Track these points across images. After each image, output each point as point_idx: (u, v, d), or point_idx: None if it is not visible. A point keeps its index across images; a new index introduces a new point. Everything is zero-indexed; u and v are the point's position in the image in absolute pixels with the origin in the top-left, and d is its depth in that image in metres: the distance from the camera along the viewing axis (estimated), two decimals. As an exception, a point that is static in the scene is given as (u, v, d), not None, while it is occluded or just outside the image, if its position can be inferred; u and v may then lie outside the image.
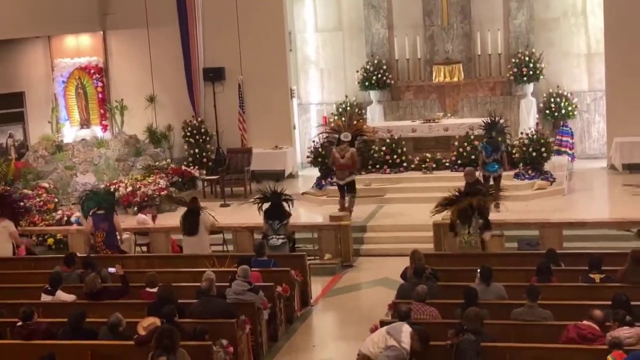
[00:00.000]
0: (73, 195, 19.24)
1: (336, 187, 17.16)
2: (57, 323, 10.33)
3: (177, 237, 15.14)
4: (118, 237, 14.57)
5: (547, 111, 20.48)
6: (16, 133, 21.31)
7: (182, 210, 14.98)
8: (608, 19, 19.45)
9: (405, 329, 9.04)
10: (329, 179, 18.47)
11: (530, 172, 18.19)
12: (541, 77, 20.39)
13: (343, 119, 18.86)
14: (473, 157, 17.98)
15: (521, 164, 18.33)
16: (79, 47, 22.63)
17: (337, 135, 17.56)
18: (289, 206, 14.38)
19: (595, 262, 10.96)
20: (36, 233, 16.71)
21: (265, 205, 14.46)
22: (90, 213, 14.58)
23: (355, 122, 18.22)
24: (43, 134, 21.56)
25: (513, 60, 20.43)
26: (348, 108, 21.18)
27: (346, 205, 16.70)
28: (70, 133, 22.37)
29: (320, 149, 19.15)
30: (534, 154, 18.28)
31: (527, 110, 20.42)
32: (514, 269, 11.79)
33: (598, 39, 20.36)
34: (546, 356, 9.02)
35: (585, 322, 9.07)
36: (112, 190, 17.90)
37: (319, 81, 22.60)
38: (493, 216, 13.92)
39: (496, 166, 16.31)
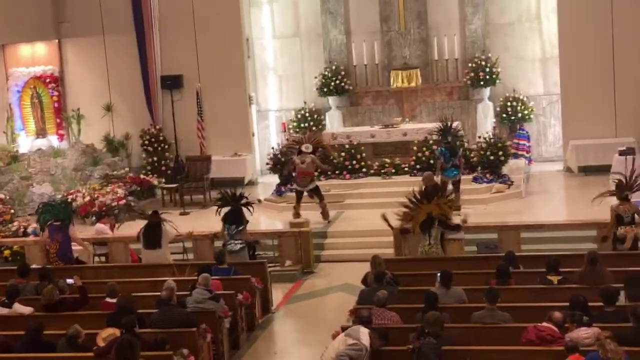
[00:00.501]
0: (29, 206, 19.01)
1: (294, 194, 17.13)
2: (15, 336, 10.17)
3: (136, 247, 14.98)
4: (73, 249, 14.39)
5: (504, 115, 20.67)
6: (-30, 143, 21.01)
7: (141, 220, 14.82)
8: (562, 24, 19.71)
9: (363, 330, 9.11)
10: (289, 186, 18.45)
11: (488, 175, 18.34)
12: (497, 81, 20.60)
13: (304, 135, 18.68)
14: (432, 161, 18.10)
15: (479, 168, 18.49)
16: (34, 56, 22.38)
17: (297, 147, 17.52)
18: (249, 211, 14.31)
19: (553, 264, 11.08)
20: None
21: (224, 210, 14.37)
22: (47, 224, 14.40)
23: (315, 137, 18.21)
24: (-2, 144, 21.29)
25: (470, 64, 20.60)
26: (307, 115, 21.20)
27: (300, 213, 16.64)
28: (26, 143, 22.08)
29: (280, 156, 19.13)
30: (492, 157, 18.44)
31: (484, 114, 20.61)
32: (473, 272, 11.86)
33: (553, 43, 20.61)
34: (506, 358, 9.07)
35: (544, 323, 9.16)
36: (69, 200, 17.70)
37: (277, 88, 22.59)
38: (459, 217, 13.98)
39: (455, 171, 16.44)
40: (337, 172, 19.12)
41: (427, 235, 12.70)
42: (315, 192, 16.80)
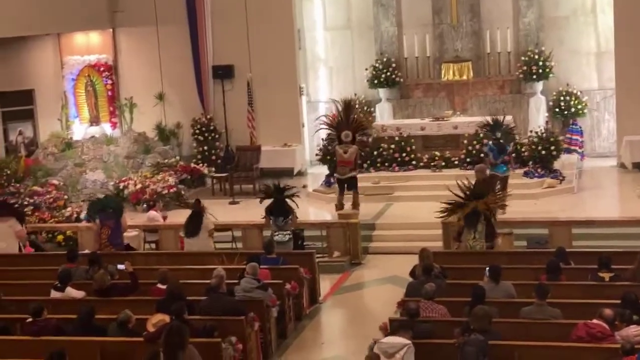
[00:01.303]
0: (82, 192, 19.28)
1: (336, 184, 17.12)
2: (67, 319, 10.36)
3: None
4: (124, 235, 14.61)
5: (557, 109, 20.43)
6: (26, 130, 21.36)
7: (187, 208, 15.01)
8: (618, 18, 19.38)
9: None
10: (335, 175, 18.43)
11: (539, 170, 18.15)
12: (551, 75, 20.35)
13: (342, 116, 18.43)
14: (482, 155, 17.94)
15: (530, 163, 18.31)
16: (88, 45, 22.68)
17: (337, 132, 17.46)
18: (294, 202, 14.37)
19: (605, 260, 10.94)
20: (46, 230, 16.75)
21: (268, 202, 14.44)
22: (97, 210, 14.66)
23: (354, 118, 17.96)
24: (53, 131, 21.63)
25: (522, 58, 20.39)
26: (357, 106, 21.15)
27: (344, 203, 16.62)
28: (80, 130, 22.43)
29: (329, 147, 19.14)
30: (544, 152, 18.24)
31: (536, 109, 20.40)
32: (522, 268, 11.77)
33: (607, 37, 20.30)
34: (555, 355, 9.00)
35: (595, 320, 9.05)
36: (119, 195, 17.95)
37: (328, 79, 22.61)
38: (502, 215, 13.87)
39: (504, 167, 16.27)
40: (386, 164, 19.07)
41: (472, 229, 12.61)
42: (352, 182, 16.73)
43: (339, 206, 16.51)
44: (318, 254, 14.09)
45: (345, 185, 16.67)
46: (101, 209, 14.63)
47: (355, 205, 16.59)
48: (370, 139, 18.49)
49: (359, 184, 17.05)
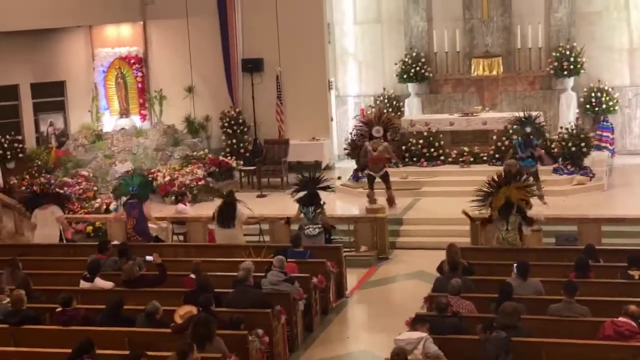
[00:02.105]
0: (112, 183, 19.43)
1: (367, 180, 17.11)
2: (95, 310, 10.46)
3: (212, 226, 15.20)
4: (152, 227, 14.71)
5: (588, 106, 20.26)
6: (57, 122, 21.57)
7: (218, 200, 15.03)
8: (651, 14, 19.19)
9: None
10: (366, 172, 18.46)
11: (569, 167, 18.02)
12: (582, 71, 20.18)
13: (372, 111, 18.56)
14: (510, 150, 17.82)
15: (560, 159, 18.17)
16: (119, 37, 22.83)
17: (367, 129, 17.45)
18: (328, 193, 14.37)
19: (635, 258, 10.84)
20: (75, 221, 16.90)
21: (301, 193, 14.45)
22: (123, 201, 14.77)
23: (384, 114, 18.01)
24: (83, 123, 21.80)
25: (553, 54, 20.24)
26: (386, 101, 21.13)
27: (381, 198, 16.63)
28: (110, 122, 22.59)
29: (357, 141, 19.12)
30: (574, 148, 18.08)
31: (567, 105, 20.24)
32: (551, 265, 11.72)
33: (641, 33, 20.12)
34: (583, 352, 8.92)
35: (621, 318, 8.98)
36: (147, 180, 18.03)
37: (357, 73, 22.57)
38: (535, 211, 13.79)
39: (531, 162, 16.14)
40: (414, 159, 19.04)
41: (504, 221, 12.55)
42: (385, 179, 16.72)
43: (372, 201, 16.50)
44: (345, 248, 14.09)
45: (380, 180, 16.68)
46: (127, 194, 14.74)
47: (391, 201, 16.55)
48: (398, 137, 18.43)
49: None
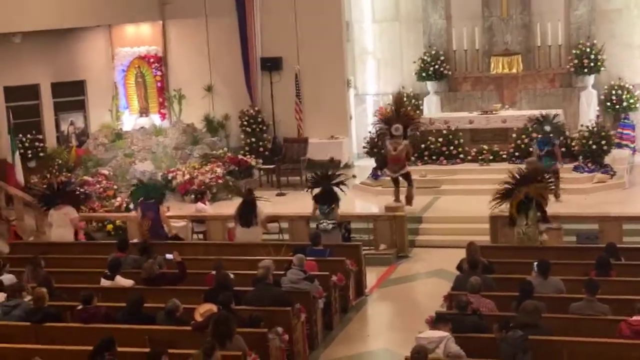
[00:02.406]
0: (131, 182, 19.49)
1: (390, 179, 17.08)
2: (116, 307, 10.51)
3: (233, 226, 15.23)
4: (165, 227, 14.74)
5: (608, 103, 20.16)
6: (77, 121, 21.67)
7: (238, 199, 15.06)
8: (673, 10, 19.05)
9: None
10: (385, 170, 18.45)
11: (590, 165, 17.93)
12: (602, 69, 20.09)
13: (393, 109, 18.47)
14: (531, 149, 17.75)
15: (581, 157, 18.08)
16: (138, 36, 22.90)
17: (386, 126, 17.38)
18: (341, 191, 14.37)
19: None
20: (96, 219, 16.99)
21: (316, 190, 14.47)
22: (139, 201, 14.82)
23: (403, 111, 17.87)
24: (103, 122, 21.89)
25: (573, 51, 20.14)
26: (405, 99, 21.07)
27: (402, 196, 16.59)
28: (130, 121, 22.65)
29: (376, 140, 19.10)
30: (594, 146, 17.99)
31: (587, 103, 20.13)
32: (572, 263, 11.66)
33: (662, 30, 19.98)
34: (604, 351, 8.88)
35: (635, 317, 8.93)
36: (163, 183, 18.11)
37: (375, 72, 22.55)
38: (553, 208, 13.76)
39: (551, 160, 16.06)
40: (433, 157, 19.00)
41: (524, 216, 12.52)
42: (406, 177, 16.68)
43: (397, 199, 16.48)
44: (364, 247, 14.10)
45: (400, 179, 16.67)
46: (143, 198, 14.78)
47: (409, 199, 16.49)
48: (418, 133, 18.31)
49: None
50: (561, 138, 17.19)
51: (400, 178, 16.69)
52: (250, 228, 14.00)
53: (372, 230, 15.26)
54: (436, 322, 9.11)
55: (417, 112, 19.90)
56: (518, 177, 12.90)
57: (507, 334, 8.75)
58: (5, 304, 10.58)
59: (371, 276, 13.91)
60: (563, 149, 17.01)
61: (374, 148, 19.15)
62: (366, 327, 12.31)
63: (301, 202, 16.69)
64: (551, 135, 16.52)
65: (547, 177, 13.79)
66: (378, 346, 11.46)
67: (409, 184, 16.64)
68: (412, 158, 18.09)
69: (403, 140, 16.66)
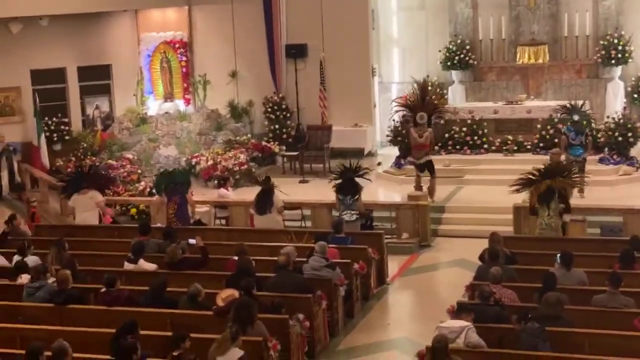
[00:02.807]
0: (155, 167, 19.60)
1: (413, 167, 17.03)
2: (139, 291, 10.59)
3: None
4: (190, 211, 14.81)
5: (635, 95, 19.96)
6: (102, 105, 21.79)
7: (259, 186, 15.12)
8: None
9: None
10: (409, 158, 18.43)
11: (615, 157, 17.79)
12: (630, 60, 19.91)
13: (418, 96, 18.35)
14: (556, 140, 17.64)
15: (606, 149, 17.94)
16: (164, 21, 22.96)
17: (411, 115, 17.33)
18: (366, 180, 14.36)
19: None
20: (120, 203, 17.09)
21: (338, 182, 14.47)
22: (163, 186, 14.89)
23: (429, 99, 17.80)
24: (128, 106, 21.98)
25: (601, 42, 19.96)
26: (429, 87, 20.97)
27: (424, 187, 16.56)
28: (154, 106, 22.74)
29: (400, 128, 19.05)
30: (620, 138, 17.84)
31: (614, 94, 19.97)
32: (595, 255, 11.59)
33: (691, 22, 19.74)
34: (626, 344, 8.82)
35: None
36: (188, 169, 18.15)
37: (400, 60, 22.47)
38: (576, 201, 13.68)
39: (580, 150, 15.97)
40: (457, 147, 18.93)
41: (545, 206, 12.48)
42: (428, 167, 16.63)
43: (418, 188, 16.44)
44: (387, 235, 14.09)
45: (423, 170, 16.62)
46: (168, 183, 14.85)
47: (432, 191, 16.43)
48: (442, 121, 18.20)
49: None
50: (588, 129, 17.04)
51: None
52: (265, 216, 14.06)
53: (395, 218, 15.24)
54: (459, 311, 9.10)
55: (442, 100, 19.77)
56: (542, 171, 12.81)
57: (526, 325, 8.72)
58: (30, 286, 10.70)
59: (393, 265, 13.90)
60: (590, 139, 16.87)
61: (398, 137, 19.10)
62: (387, 316, 12.31)
63: (324, 190, 16.66)
64: (581, 124, 16.37)
65: (573, 169, 13.70)
66: (398, 335, 11.46)
67: (431, 175, 16.58)
68: (436, 147, 18.11)
69: (428, 128, 16.62)
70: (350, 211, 13.88)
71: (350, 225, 13.63)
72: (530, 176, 12.91)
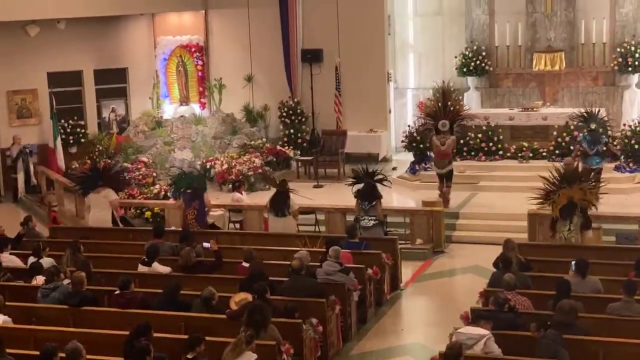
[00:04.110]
0: (171, 170, 19.65)
1: (434, 174, 16.97)
2: (153, 293, 10.61)
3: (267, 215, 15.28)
4: (210, 214, 14.87)
5: (652, 103, 19.88)
6: (118, 108, 21.91)
7: (274, 189, 15.12)
8: None
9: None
10: (423, 164, 18.43)
11: (631, 165, 17.71)
12: (647, 68, 19.80)
13: (439, 103, 18.57)
14: (572, 147, 17.56)
15: (622, 157, 17.85)
16: (181, 25, 23.05)
17: (433, 122, 17.33)
18: (385, 186, 14.35)
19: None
20: (134, 206, 17.14)
21: (358, 187, 14.45)
22: (182, 191, 14.92)
23: (451, 108, 17.87)
24: (144, 110, 22.08)
25: (618, 49, 19.88)
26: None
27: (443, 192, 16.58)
28: (170, 109, 22.83)
29: (415, 134, 19.03)
30: (637, 146, 17.76)
31: (630, 102, 19.88)
32: (610, 263, 11.53)
33: None
34: (641, 353, 8.80)
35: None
36: (204, 173, 18.19)
37: (416, 66, 22.45)
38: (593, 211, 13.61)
39: (598, 159, 15.87)
40: (472, 153, 18.89)
41: (567, 221, 12.39)
42: (448, 176, 16.60)
43: (442, 195, 16.41)
44: (401, 241, 14.06)
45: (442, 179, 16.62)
46: (186, 188, 14.88)
47: (446, 199, 16.39)
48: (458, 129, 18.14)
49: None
50: (604, 137, 16.96)
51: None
52: (281, 218, 14.07)
53: (409, 224, 15.21)
54: (477, 319, 9.04)
55: (463, 105, 19.70)
56: (558, 179, 12.72)
57: (546, 332, 8.67)
58: (44, 287, 10.74)
59: (407, 270, 13.87)
60: (607, 146, 16.79)
61: (413, 142, 19.08)
62: (400, 321, 12.30)
63: (338, 195, 16.71)
64: (598, 132, 16.26)
65: (591, 179, 13.57)
66: (412, 340, 11.44)
67: (447, 185, 16.53)
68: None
69: (450, 136, 16.59)
70: (368, 217, 13.85)
71: (368, 231, 13.60)
72: (548, 186, 12.79)
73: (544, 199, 12.87)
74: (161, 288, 10.52)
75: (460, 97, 20.99)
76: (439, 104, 17.39)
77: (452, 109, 17.25)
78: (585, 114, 16.97)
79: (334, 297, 10.73)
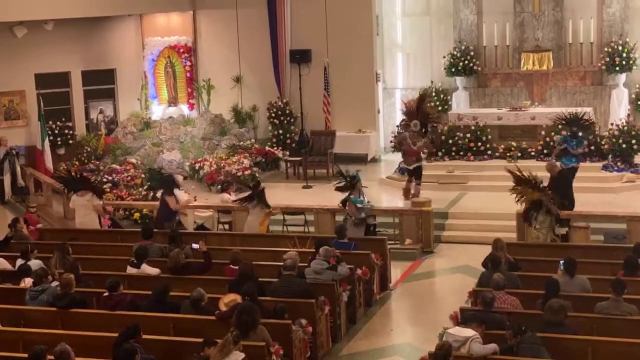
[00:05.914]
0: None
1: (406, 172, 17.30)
2: (142, 295, 10.58)
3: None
4: (198, 215, 14.87)
5: (639, 102, 19.93)
6: (107, 109, 21.85)
7: (270, 190, 15.18)
8: None
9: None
10: (400, 164, 18.54)
11: (619, 164, 17.77)
12: (634, 67, 19.90)
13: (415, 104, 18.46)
14: (553, 145, 17.58)
15: (610, 156, 17.92)
16: (169, 26, 23.00)
17: (408, 121, 17.41)
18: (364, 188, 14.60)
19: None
20: (123, 207, 17.09)
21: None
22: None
23: (422, 108, 17.81)
24: (132, 111, 22.03)
25: (605, 49, 19.96)
26: (434, 94, 21.01)
27: (412, 192, 16.69)
28: (158, 110, 22.78)
29: (398, 133, 19.03)
30: (624, 145, 17.83)
31: (618, 101, 19.97)
32: (599, 262, 11.56)
33: (696, 29, 19.73)
34: (629, 351, 8.80)
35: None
36: (157, 174, 18.14)
37: (404, 66, 22.49)
38: (580, 207, 13.69)
39: (575, 159, 15.85)
40: (460, 153, 18.93)
41: (533, 219, 12.84)
42: (416, 171, 16.79)
43: (406, 194, 16.55)
44: (390, 241, 14.07)
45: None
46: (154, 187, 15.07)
47: (416, 194, 16.57)
48: (433, 137, 18.13)
49: (433, 173, 17.02)
50: (590, 137, 17.00)
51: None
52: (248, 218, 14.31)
53: (398, 224, 15.23)
54: (469, 320, 9.03)
55: (439, 109, 19.75)
56: (517, 179, 13.23)
57: (524, 335, 8.67)
58: (33, 289, 10.69)
59: (396, 271, 13.89)
60: (592, 147, 16.81)
61: (401, 143, 19.07)
62: (390, 322, 12.29)
63: (327, 195, 16.68)
64: (580, 135, 16.30)
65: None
66: (401, 341, 11.45)
67: (417, 180, 16.75)
68: (439, 154, 18.17)
69: (422, 138, 16.73)
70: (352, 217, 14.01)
71: (352, 229, 13.66)
72: (527, 178, 13.19)
73: (520, 194, 13.20)
74: (150, 290, 10.49)
75: (449, 98, 21.08)
76: (415, 105, 17.48)
77: (424, 111, 17.31)
78: (568, 115, 16.89)
79: (323, 298, 10.73)
